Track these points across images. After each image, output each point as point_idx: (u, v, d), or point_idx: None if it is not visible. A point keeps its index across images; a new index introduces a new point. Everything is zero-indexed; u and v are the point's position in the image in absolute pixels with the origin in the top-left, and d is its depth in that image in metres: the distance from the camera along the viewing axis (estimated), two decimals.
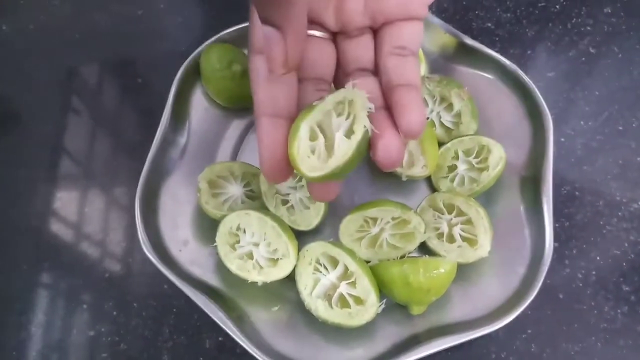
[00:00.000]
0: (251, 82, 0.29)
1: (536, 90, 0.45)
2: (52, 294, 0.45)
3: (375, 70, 0.31)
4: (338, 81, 0.33)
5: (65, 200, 0.49)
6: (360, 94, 0.26)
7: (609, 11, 0.55)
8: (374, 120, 0.26)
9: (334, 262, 0.40)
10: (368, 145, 0.27)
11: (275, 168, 0.28)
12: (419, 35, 0.31)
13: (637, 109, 0.50)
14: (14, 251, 0.47)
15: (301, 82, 0.30)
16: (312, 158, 0.26)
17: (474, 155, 0.45)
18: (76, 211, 0.48)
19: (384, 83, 0.30)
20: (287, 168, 0.28)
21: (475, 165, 0.45)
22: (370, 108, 0.26)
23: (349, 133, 0.26)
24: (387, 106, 0.29)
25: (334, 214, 0.45)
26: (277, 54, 0.25)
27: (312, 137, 0.26)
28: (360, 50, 0.31)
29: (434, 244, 0.43)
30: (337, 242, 0.41)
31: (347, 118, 0.26)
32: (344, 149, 0.26)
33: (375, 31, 0.32)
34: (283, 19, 0.24)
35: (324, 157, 0.26)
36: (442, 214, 0.44)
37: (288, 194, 0.44)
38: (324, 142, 0.27)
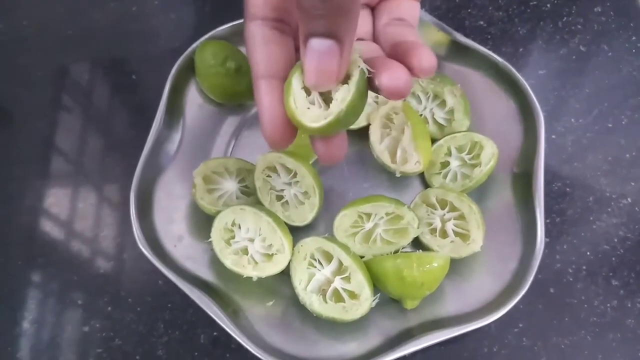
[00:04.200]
0: (247, 48, 0.28)
1: (528, 87, 0.45)
2: (47, 290, 0.45)
3: (375, 41, 0.31)
4: None
5: (59, 197, 0.49)
6: None
7: (599, 10, 0.56)
8: (378, 61, 0.25)
9: (329, 257, 0.41)
10: (367, 85, 0.26)
11: (277, 131, 0.27)
12: (416, 11, 0.32)
13: (626, 107, 0.51)
14: (9, 248, 0.47)
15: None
16: (311, 109, 0.25)
17: (467, 151, 0.45)
18: (70, 208, 0.48)
19: (385, 47, 0.29)
20: (289, 131, 0.27)
21: (468, 162, 0.45)
22: (360, 50, 0.25)
23: (345, 80, 0.25)
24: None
25: (329, 209, 0.45)
26: (335, 67, 0.24)
27: (308, 91, 0.26)
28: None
29: (427, 239, 0.43)
30: (331, 238, 0.41)
31: None
32: (343, 92, 0.25)
33: (373, 8, 0.32)
34: (345, 32, 0.23)
35: (324, 106, 0.26)
36: (435, 209, 0.44)
37: (282, 190, 0.44)
38: (320, 96, 0.26)
